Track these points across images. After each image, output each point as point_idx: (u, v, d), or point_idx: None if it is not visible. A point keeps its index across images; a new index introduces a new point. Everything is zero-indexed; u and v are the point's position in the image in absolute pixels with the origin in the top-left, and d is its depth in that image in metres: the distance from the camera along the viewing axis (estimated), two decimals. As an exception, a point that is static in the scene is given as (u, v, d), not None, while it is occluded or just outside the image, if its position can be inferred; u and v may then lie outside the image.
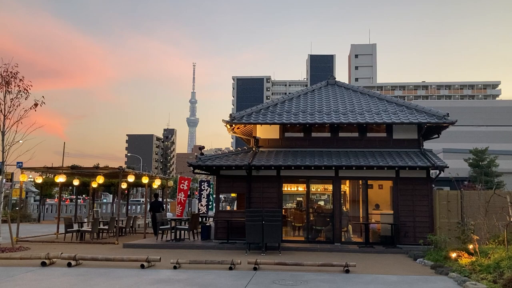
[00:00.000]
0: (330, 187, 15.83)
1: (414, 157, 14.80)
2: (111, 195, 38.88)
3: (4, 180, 34.17)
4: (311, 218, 15.70)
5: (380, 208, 15.77)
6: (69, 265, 10.61)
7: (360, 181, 15.94)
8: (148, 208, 19.13)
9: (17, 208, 31.59)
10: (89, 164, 17.54)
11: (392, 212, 15.07)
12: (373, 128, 16.13)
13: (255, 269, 10.40)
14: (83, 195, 49.58)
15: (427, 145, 16.30)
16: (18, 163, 20.55)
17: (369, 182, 15.53)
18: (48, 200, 37.44)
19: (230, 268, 10.43)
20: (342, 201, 15.82)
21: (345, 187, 16.80)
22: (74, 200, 34.36)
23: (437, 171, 14.51)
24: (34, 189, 38.57)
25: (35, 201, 35.92)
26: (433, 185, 15.37)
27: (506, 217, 11.60)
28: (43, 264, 10.67)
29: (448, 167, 14.17)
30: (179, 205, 21.63)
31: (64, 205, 35.66)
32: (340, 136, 16.11)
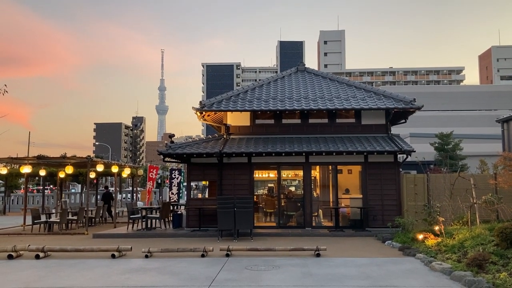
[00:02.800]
0: (300, 173, 15.97)
1: (382, 142, 15.09)
2: (80, 185, 38.13)
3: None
4: (282, 204, 15.85)
5: (350, 192, 16.05)
6: (37, 257, 10.39)
7: (330, 167, 16.17)
8: (100, 198, 18.98)
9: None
10: (56, 154, 17.15)
11: (361, 196, 15.36)
12: (342, 114, 16.33)
13: (227, 255, 10.45)
14: (51, 186, 48.43)
15: (394, 130, 16.63)
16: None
17: (339, 167, 15.77)
18: (17, 191, 36.34)
19: (203, 256, 10.44)
20: (312, 187, 16.03)
21: (316, 173, 17.01)
22: (41, 191, 33.56)
23: (405, 155, 14.87)
24: (-2, 181, 37.40)
25: (0, 192, 34.85)
26: (401, 169, 15.73)
27: (470, 198, 12.01)
28: (10, 257, 10.41)
29: (415, 151, 14.52)
30: (148, 194, 21.46)
31: (31, 196, 34.78)
32: (310, 123, 16.24)
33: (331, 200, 16.14)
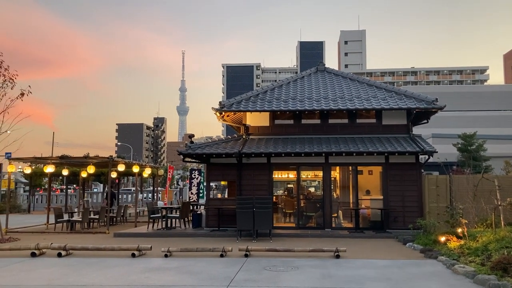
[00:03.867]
0: (320, 173, 15.87)
1: (403, 143, 14.87)
2: (102, 185, 38.70)
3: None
4: (302, 205, 15.77)
5: (370, 193, 15.87)
6: (59, 255, 10.56)
7: (350, 167, 16.02)
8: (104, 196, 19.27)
9: (5, 199, 31.34)
10: (79, 154, 17.39)
11: (381, 197, 15.17)
12: (363, 114, 16.15)
13: (246, 256, 10.44)
14: (74, 185, 49.36)
15: (416, 130, 16.38)
16: (6, 153, 20.31)
17: (359, 168, 15.60)
18: (41, 191, 37.12)
19: (221, 256, 10.45)
20: (332, 187, 15.90)
21: (335, 173, 16.87)
22: (64, 190, 34.16)
23: (426, 156, 14.61)
24: (23, 180, 38.23)
25: (24, 191, 35.61)
26: (422, 170, 15.48)
27: (494, 200, 11.73)
28: (33, 254, 10.61)
29: (437, 152, 14.27)
30: (166, 194, 21.65)
31: (55, 195, 35.43)
32: (330, 123, 16.12)
33: (351, 201, 15.99)
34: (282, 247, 10.92)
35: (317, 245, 11.67)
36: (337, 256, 10.28)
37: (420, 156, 14.99)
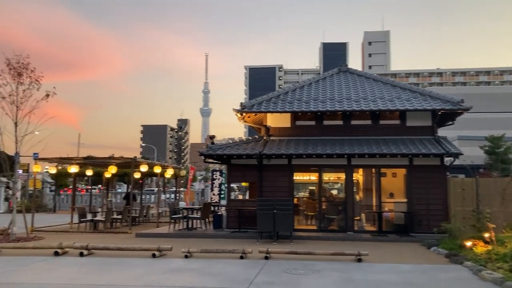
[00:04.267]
0: (342, 175, 15.66)
1: (428, 145, 14.54)
2: (125, 185, 39.21)
3: (21, 171, 34.56)
4: (324, 207, 15.58)
5: (394, 196, 15.57)
6: (81, 254, 10.68)
7: (373, 170, 15.72)
8: (123, 197, 19.45)
9: (30, 199, 32.04)
10: (104, 155, 17.63)
11: (405, 200, 14.86)
12: (386, 115, 15.86)
13: (266, 258, 10.35)
14: (99, 185, 50.17)
15: (441, 132, 16.00)
16: (34, 154, 20.73)
17: (382, 170, 15.31)
18: (69, 191, 37.85)
19: (241, 257, 10.39)
20: (354, 190, 15.65)
21: (358, 176, 16.61)
22: (89, 190, 34.71)
23: (452, 159, 14.24)
24: (50, 180, 39.03)
25: (51, 191, 36.36)
26: (448, 173, 15.10)
27: (523, 204, 11.34)
28: (56, 253, 10.76)
29: (463, 154, 13.91)
30: (187, 195, 21.74)
31: (79, 195, 36.10)
32: (353, 124, 15.89)
33: (374, 204, 15.70)
34: (303, 249, 10.79)
35: (339, 248, 11.49)
36: (359, 260, 10.09)
37: (446, 158, 14.62)
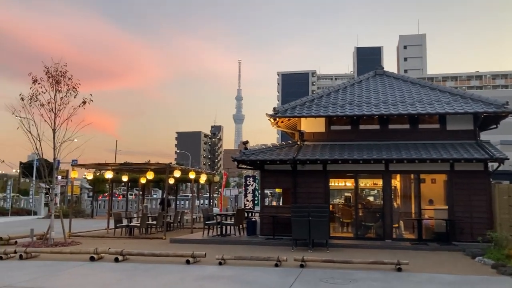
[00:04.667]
0: (379, 182, 15.20)
1: (470, 149, 13.91)
2: (161, 191, 39.65)
3: (60, 177, 35.53)
4: (360, 214, 15.13)
5: (433, 203, 14.98)
6: (116, 260, 10.71)
7: (412, 175, 15.20)
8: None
9: (68, 204, 32.84)
10: (140, 161, 17.78)
11: (446, 207, 14.26)
12: (425, 119, 15.31)
13: (301, 266, 10.07)
14: (135, 191, 51.02)
15: (483, 137, 15.31)
16: (73, 160, 21.24)
17: (421, 176, 14.76)
18: (108, 197, 38.67)
19: (276, 265, 10.15)
20: (392, 196, 15.14)
21: (396, 182, 16.08)
22: (125, 196, 35.34)
23: (496, 164, 13.56)
24: (88, 186, 39.98)
25: (88, 197, 37.20)
26: (491, 179, 14.39)
27: None
28: (92, 258, 10.84)
29: (508, 159, 13.21)
30: (220, 201, 21.68)
31: (116, 201, 36.71)
32: (390, 128, 15.42)
33: (412, 211, 15.16)
34: (340, 258, 10.46)
35: (377, 256, 11.09)
36: (399, 269, 9.67)
37: (489, 164, 13.94)
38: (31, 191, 36.43)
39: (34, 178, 34.47)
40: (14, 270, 9.73)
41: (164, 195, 23.81)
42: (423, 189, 14.73)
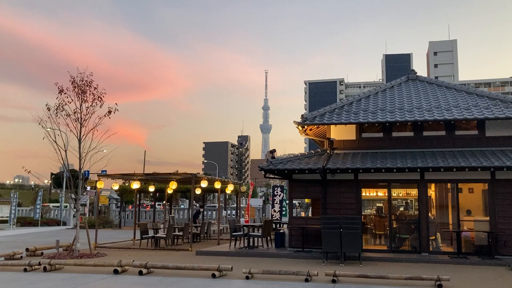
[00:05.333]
0: (412, 191, 14.47)
1: (512, 156, 13.03)
2: (188, 201, 39.52)
3: (89, 187, 35.78)
4: (394, 226, 14.39)
5: (471, 213, 14.11)
6: (140, 273, 10.37)
7: (449, 185, 14.40)
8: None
9: (94, 215, 33.00)
10: (168, 171, 17.50)
11: (487, 218, 13.39)
12: (462, 125, 14.51)
13: (333, 281, 9.47)
14: (164, 201, 51.25)
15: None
16: (102, 170, 21.18)
17: (459, 185, 13.93)
18: (132, 207, 38.80)
19: (306, 280, 9.58)
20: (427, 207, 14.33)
21: (430, 191, 15.27)
22: (153, 207, 35.28)
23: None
24: (116, 196, 40.22)
25: (117, 207, 37.38)
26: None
27: None
28: (115, 271, 10.53)
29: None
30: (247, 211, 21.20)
31: (144, 211, 36.74)
32: (425, 135, 14.67)
33: (450, 222, 14.33)
34: (374, 273, 9.80)
35: (414, 271, 10.39)
36: (439, 286, 8.95)
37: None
38: (61, 202, 36.88)
39: (63, 188, 34.87)
40: (37, 282, 9.50)
41: (197, 206, 23.72)
42: (459, 199, 13.89)
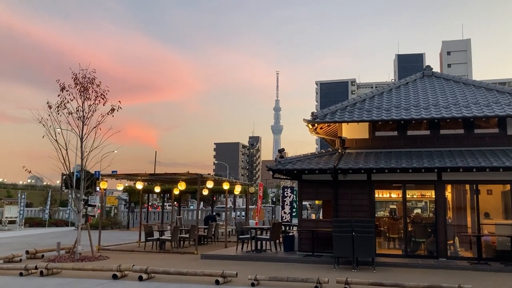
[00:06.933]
0: (427, 193, 13.76)
1: (536, 156, 12.23)
2: (195, 201, 38.99)
3: (98, 188, 35.48)
4: (409, 229, 13.65)
5: (490, 216, 13.34)
6: (140, 278, 9.81)
7: (467, 186, 13.63)
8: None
9: (108, 216, 32.65)
10: (180, 172, 16.83)
11: (510, 222, 12.61)
12: (482, 123, 13.73)
13: (345, 289, 8.81)
14: (175, 202, 50.88)
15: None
16: (113, 171, 20.77)
17: (479, 186, 13.15)
18: (149, 208, 38.42)
19: (316, 288, 8.94)
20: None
21: (447, 193, 14.50)
22: (165, 208, 34.82)
23: None
24: (124, 197, 39.87)
25: (125, 208, 37.00)
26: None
27: None
28: (114, 276, 9.99)
29: None
30: (257, 213, 20.61)
31: (153, 212, 36.33)
32: (442, 134, 13.90)
33: (468, 226, 13.56)
34: (389, 280, 9.10)
35: (431, 278, 9.70)
36: (461, 296, 8.24)
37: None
38: (69, 202, 36.61)
39: (72, 188, 34.63)
40: (30, 288, 8.99)
41: (214, 214, 23.11)
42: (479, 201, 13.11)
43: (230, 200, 33.18)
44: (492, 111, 12.95)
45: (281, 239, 15.38)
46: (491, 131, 13.70)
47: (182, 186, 17.50)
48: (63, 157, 13.78)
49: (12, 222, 30.09)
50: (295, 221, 19.62)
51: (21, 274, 10.40)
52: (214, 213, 23.85)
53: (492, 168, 11.86)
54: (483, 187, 13.45)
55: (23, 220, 31.00)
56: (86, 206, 34.47)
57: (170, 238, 16.23)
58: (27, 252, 13.75)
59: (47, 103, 13.90)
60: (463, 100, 14.01)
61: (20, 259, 12.89)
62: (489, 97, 14.06)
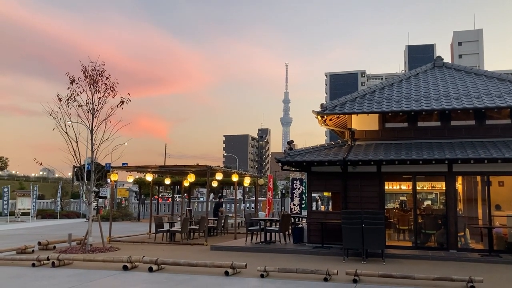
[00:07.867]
0: (438, 184, 13.66)
1: (550, 147, 12.07)
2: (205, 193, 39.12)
3: (109, 180, 35.76)
4: (419, 221, 13.58)
5: (501, 208, 13.21)
6: (150, 270, 9.88)
7: (478, 177, 13.50)
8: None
9: (119, 208, 32.93)
10: (184, 164, 16.97)
11: (522, 214, 12.49)
12: (494, 114, 13.57)
13: (354, 281, 8.80)
14: (185, 194, 51.12)
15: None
16: (123, 163, 20.87)
17: (490, 178, 13.02)
18: (160, 200, 38.67)
19: (325, 279, 8.94)
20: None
21: (457, 184, 14.38)
22: (176, 199, 34.93)
23: None
24: (135, 189, 40.14)
25: (136, 200, 37.27)
26: None
27: None
28: (125, 268, 10.07)
29: None
30: (267, 205, 20.62)
31: (163, 204, 36.55)
32: (453, 125, 13.78)
33: (479, 218, 13.45)
34: (399, 272, 9.08)
35: (442, 270, 9.65)
36: (471, 288, 8.20)
37: None
38: (81, 194, 36.97)
39: (83, 180, 34.95)
40: (42, 279, 9.11)
41: (217, 199, 23.20)
42: (490, 193, 12.98)
43: (240, 192, 33.28)
44: (504, 101, 12.78)
45: (290, 230, 15.40)
46: (503, 122, 13.53)
47: (192, 178, 17.57)
48: (73, 149, 13.85)
49: (24, 214, 30.51)
50: (304, 213, 19.63)
51: (33, 265, 10.53)
52: (220, 201, 23.97)
53: (504, 160, 11.73)
54: (495, 178, 13.30)
55: (35, 212, 31.39)
56: (97, 198, 34.84)
57: (180, 229, 16.31)
58: (39, 243, 13.92)
59: (57, 96, 13.98)
60: (475, 91, 13.84)
61: (33, 250, 13.05)
62: (501, 87, 13.87)
